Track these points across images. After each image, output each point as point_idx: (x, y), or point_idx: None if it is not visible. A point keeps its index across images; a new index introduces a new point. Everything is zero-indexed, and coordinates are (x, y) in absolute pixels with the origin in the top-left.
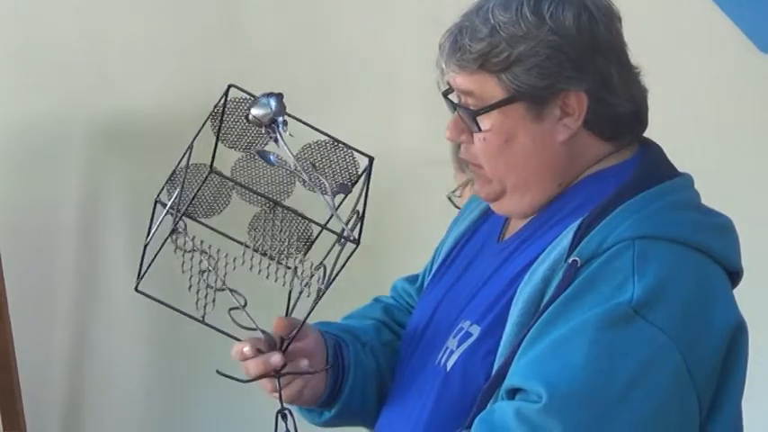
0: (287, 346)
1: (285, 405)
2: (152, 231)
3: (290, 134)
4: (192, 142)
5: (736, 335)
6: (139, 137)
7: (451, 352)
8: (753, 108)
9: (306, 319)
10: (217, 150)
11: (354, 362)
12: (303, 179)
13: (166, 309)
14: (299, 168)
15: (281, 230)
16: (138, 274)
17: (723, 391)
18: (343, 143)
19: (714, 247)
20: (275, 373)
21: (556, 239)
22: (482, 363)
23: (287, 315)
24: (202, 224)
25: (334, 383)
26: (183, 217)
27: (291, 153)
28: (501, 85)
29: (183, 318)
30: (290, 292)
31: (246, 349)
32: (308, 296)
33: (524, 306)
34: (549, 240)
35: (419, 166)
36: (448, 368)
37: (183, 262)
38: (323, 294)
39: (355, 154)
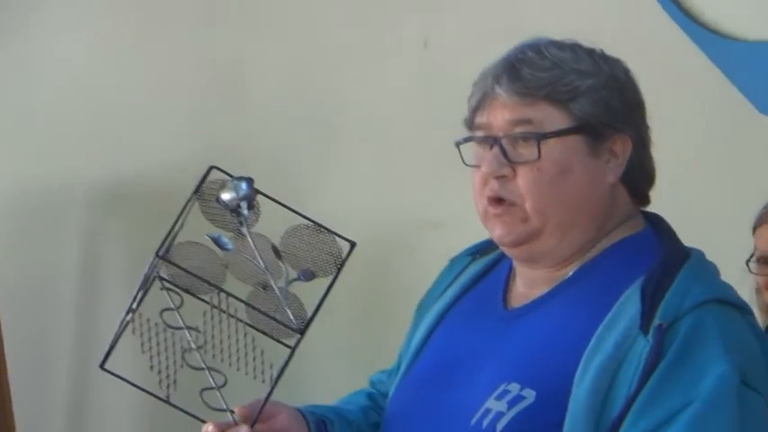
0: (253, 424)
1: None
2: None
3: (252, 218)
4: (181, 220)
5: None
6: (140, 199)
7: (500, 414)
8: (750, 168)
9: (266, 400)
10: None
11: None
12: (257, 265)
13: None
14: (257, 255)
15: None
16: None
17: None
18: (325, 228)
19: (749, 309)
20: None
21: (616, 306)
22: (541, 426)
23: (268, 397)
24: (203, 300)
25: None
26: (181, 291)
27: (251, 240)
28: (566, 115)
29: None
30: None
31: (211, 429)
32: (263, 382)
33: (597, 373)
34: (596, 304)
35: (419, 228)
36: (498, 429)
37: (149, 340)
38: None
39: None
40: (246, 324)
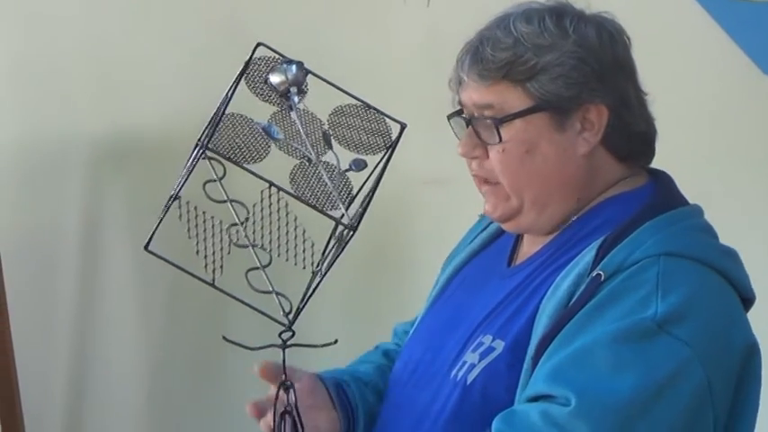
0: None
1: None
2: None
3: (303, 106)
4: (230, 93)
5: (750, 356)
6: (142, 153)
7: (472, 365)
8: (755, 130)
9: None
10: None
11: (361, 400)
12: (307, 155)
13: (165, 320)
14: (306, 145)
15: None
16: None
17: (737, 413)
18: (375, 108)
19: (732, 273)
20: (282, 344)
21: (579, 255)
22: (507, 377)
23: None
24: (249, 171)
25: (347, 425)
26: (224, 161)
27: (302, 127)
28: (525, 95)
29: (182, 326)
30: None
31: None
32: (303, 269)
33: (548, 320)
34: (569, 256)
35: (419, 186)
36: (468, 381)
37: (204, 220)
38: (323, 276)
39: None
40: (291, 195)
